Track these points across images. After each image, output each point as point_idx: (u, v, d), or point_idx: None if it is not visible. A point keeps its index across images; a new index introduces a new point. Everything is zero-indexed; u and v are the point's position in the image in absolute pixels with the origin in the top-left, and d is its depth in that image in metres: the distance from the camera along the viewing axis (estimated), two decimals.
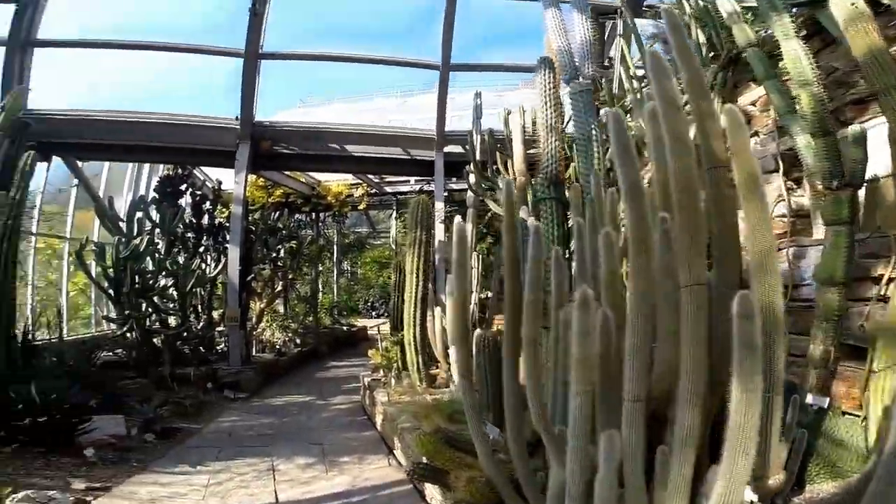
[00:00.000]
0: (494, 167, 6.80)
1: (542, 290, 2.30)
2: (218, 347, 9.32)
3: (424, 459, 3.36)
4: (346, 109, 16.10)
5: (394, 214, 15.35)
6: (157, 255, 7.90)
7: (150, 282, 7.43)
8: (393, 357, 6.65)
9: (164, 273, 7.70)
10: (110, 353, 7.78)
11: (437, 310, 6.00)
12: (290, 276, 11.33)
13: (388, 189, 14.35)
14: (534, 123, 5.08)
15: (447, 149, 9.66)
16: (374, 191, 14.33)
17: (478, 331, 3.35)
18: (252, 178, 10.84)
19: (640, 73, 5.38)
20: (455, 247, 2.69)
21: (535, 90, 4.31)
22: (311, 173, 13.20)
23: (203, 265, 9.41)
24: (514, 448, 2.48)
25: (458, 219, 3.00)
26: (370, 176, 13.21)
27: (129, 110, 9.08)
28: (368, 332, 14.77)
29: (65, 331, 8.19)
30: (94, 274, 7.93)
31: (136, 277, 7.21)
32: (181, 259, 8.46)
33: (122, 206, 9.34)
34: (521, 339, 2.35)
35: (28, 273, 8.75)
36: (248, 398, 7.87)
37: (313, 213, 14.96)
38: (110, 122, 8.82)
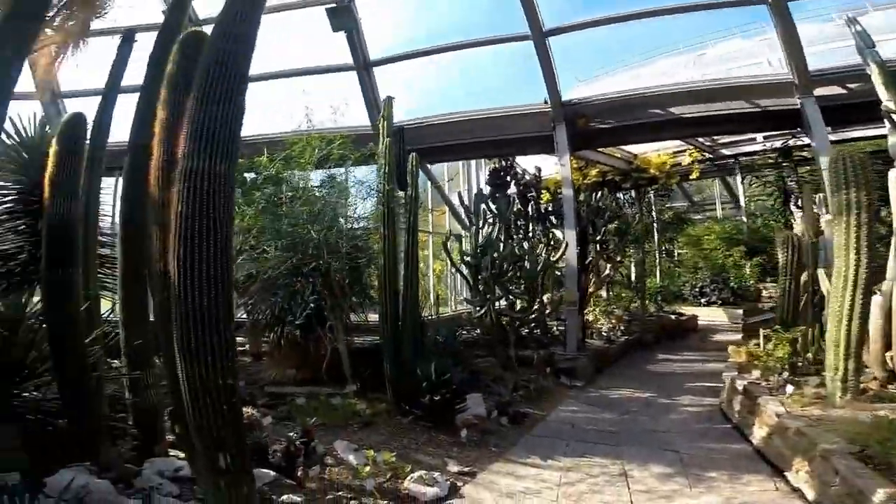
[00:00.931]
0: None
1: None
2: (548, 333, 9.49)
3: None
4: (627, 78, 14.65)
5: (739, 179, 13.04)
6: (510, 241, 8.46)
7: (505, 267, 7.97)
8: (784, 355, 5.38)
9: (513, 259, 8.18)
10: (464, 332, 8.72)
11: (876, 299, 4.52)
12: (617, 259, 10.79)
13: (725, 151, 12.24)
14: None
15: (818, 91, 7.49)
16: (706, 156, 12.43)
17: None
18: None
19: None
20: None
21: None
22: (627, 147, 12.37)
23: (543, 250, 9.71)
24: None
25: None
26: (700, 140, 11.52)
27: (449, 112, 9.90)
28: (699, 322, 13.19)
29: (433, 313, 9.51)
30: (454, 261, 8.98)
31: (492, 264, 7.84)
32: (525, 245, 8.87)
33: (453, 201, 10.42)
34: None
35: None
36: (584, 387, 7.71)
37: (633, 191, 13.99)
38: (442, 125, 9.78)
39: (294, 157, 6.66)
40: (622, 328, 10.82)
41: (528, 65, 8.77)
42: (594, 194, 10.64)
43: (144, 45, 5.21)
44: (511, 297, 8.39)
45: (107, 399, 4.06)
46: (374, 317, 7.37)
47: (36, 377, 3.68)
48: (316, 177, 7.23)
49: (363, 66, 9.21)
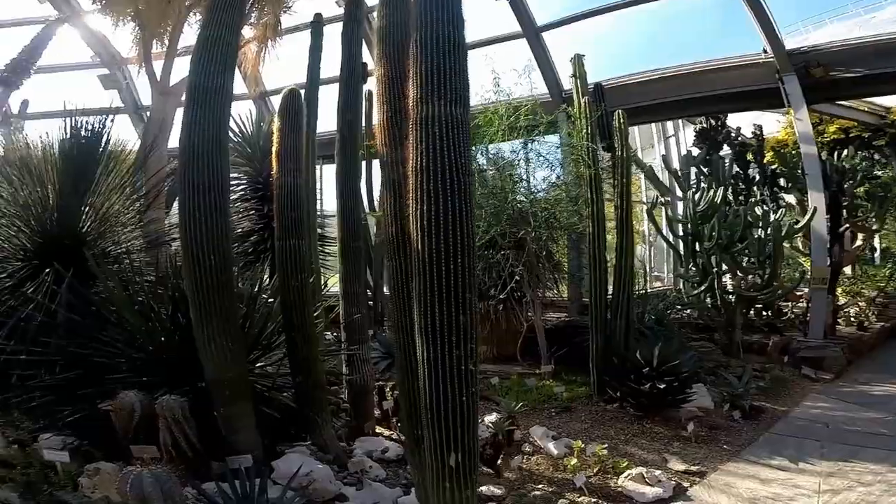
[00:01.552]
0: None
1: None
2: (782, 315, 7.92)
3: None
4: (853, 25, 11.47)
5: None
6: (739, 207, 7.20)
7: (735, 236, 6.74)
8: None
9: (744, 227, 6.87)
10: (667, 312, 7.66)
11: None
12: (873, 229, 8.61)
13: None
14: None
15: None
16: None
17: None
18: (788, 117, 8.89)
19: None
20: None
21: None
22: (874, 99, 10.07)
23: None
24: None
25: None
26: None
27: (644, 70, 8.64)
28: None
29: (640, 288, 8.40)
30: (663, 231, 7.94)
31: (718, 232, 6.69)
32: (758, 211, 7.46)
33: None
34: None
35: None
36: (832, 380, 6.35)
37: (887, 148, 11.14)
38: (637, 84, 8.58)
39: (482, 126, 6.32)
40: (874, 312, 8.73)
41: (725, 15, 7.32)
42: (838, 152, 8.67)
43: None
44: (740, 271, 7.05)
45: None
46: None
47: (270, 351, 3.77)
48: (506, 146, 6.80)
49: (533, 34, 8.51)
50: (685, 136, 11.24)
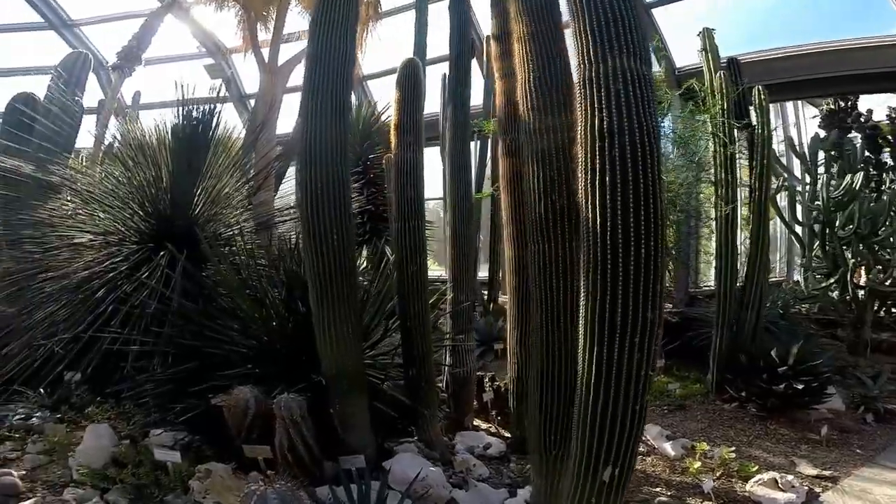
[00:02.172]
0: None
1: None
2: None
3: None
4: None
5: None
6: (888, 193, 6.33)
7: (876, 226, 5.93)
8: None
9: (887, 215, 6.01)
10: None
11: None
12: None
13: None
14: None
15: None
16: None
17: None
18: None
19: None
20: None
21: None
22: None
23: None
24: None
25: None
26: None
27: (775, 47, 7.86)
28: None
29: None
30: (787, 218, 7.15)
31: (856, 221, 5.90)
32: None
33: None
34: None
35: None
36: None
37: None
38: (768, 61, 7.84)
39: None
40: None
41: None
42: None
43: None
44: (879, 264, 6.21)
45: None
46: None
47: (381, 341, 3.55)
48: None
49: (643, 9, 7.84)
50: (804, 117, 10.19)
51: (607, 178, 1.71)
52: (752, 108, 5.16)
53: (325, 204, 2.64)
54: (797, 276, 7.19)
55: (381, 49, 7.68)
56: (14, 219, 4.22)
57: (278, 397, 2.49)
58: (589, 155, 1.78)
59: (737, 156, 4.96)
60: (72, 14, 9.98)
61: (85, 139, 6.10)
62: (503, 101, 3.39)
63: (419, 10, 5.18)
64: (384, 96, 8.34)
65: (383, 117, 7.14)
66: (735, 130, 4.92)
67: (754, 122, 4.96)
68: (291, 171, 5.84)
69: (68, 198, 4.20)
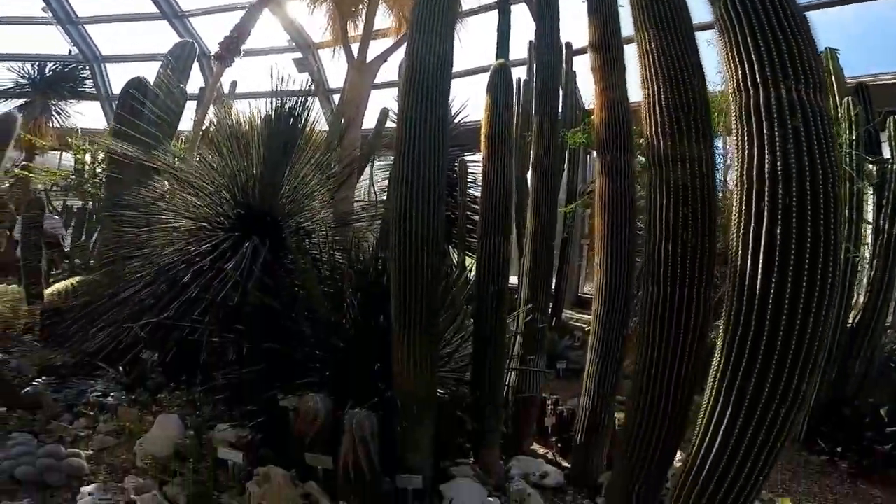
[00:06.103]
0: None
1: None
2: None
3: None
4: None
5: None
6: None
7: None
8: None
9: None
10: None
11: None
12: None
13: None
14: None
15: None
16: None
17: None
18: None
19: None
20: None
21: None
22: None
23: None
24: None
25: None
26: None
27: None
28: None
29: None
30: None
31: None
32: None
33: None
34: None
35: None
36: None
37: None
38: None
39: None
40: None
41: None
42: None
43: None
44: None
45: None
46: None
47: (451, 358, 3.40)
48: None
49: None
50: None
51: (779, 230, 1.45)
52: (883, 137, 4.59)
53: (419, 239, 2.56)
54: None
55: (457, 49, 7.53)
56: (117, 198, 4.41)
57: (350, 412, 2.40)
58: (753, 197, 1.52)
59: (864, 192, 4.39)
60: (183, 5, 10.61)
61: (185, 124, 6.38)
62: (604, 116, 3.15)
63: (503, 10, 4.96)
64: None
65: (457, 118, 7.06)
66: (865, 164, 4.36)
67: (887, 155, 4.38)
68: (366, 172, 5.83)
69: (166, 182, 4.35)
